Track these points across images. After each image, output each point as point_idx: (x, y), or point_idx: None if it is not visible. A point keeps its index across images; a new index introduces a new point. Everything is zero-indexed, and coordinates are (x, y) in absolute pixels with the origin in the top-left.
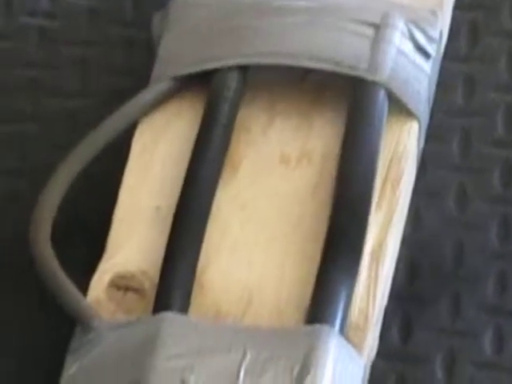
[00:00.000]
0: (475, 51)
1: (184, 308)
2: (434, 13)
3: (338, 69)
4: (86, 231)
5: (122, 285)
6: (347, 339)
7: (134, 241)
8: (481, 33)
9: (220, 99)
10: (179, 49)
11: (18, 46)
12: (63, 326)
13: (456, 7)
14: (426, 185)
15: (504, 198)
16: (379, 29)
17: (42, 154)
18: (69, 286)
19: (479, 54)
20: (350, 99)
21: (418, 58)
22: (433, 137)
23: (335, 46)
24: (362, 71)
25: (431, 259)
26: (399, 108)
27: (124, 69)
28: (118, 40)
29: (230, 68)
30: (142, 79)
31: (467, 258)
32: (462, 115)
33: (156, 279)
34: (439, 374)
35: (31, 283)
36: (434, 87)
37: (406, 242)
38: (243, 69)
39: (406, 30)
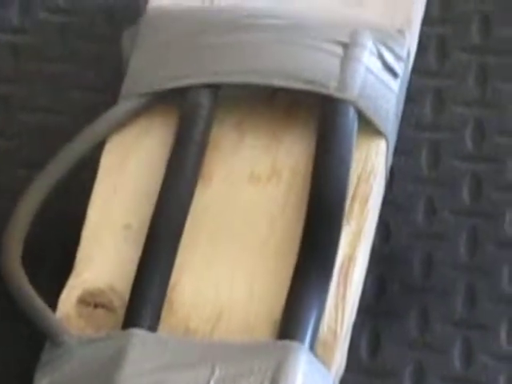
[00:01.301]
0: (444, 66)
1: (153, 325)
2: (401, 32)
3: (307, 87)
4: (55, 248)
5: (91, 301)
6: (316, 356)
7: (102, 257)
8: (450, 48)
9: (194, 117)
10: (149, 65)
11: None
12: (32, 341)
13: (425, 22)
14: (395, 198)
15: (472, 211)
16: (348, 47)
17: (12, 170)
18: (38, 302)
19: (448, 69)
20: (319, 117)
21: (386, 77)
22: (401, 150)
23: (304, 64)
24: (331, 89)
25: (400, 273)
26: (367, 126)
27: (94, 85)
28: (89, 56)
29: (201, 85)
30: (113, 95)
31: (436, 271)
32: (431, 129)
33: (125, 295)
34: None
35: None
36: (401, 105)
37: (375, 256)
38: (215, 86)
39: (374, 48)
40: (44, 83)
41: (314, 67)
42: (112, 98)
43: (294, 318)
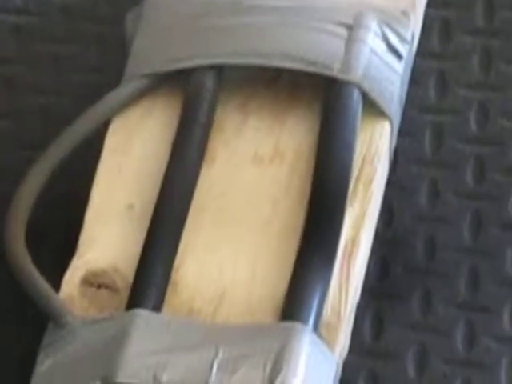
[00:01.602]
0: (448, 48)
1: (157, 306)
2: (406, 14)
3: (311, 68)
4: (58, 228)
5: (94, 281)
6: (320, 337)
7: (106, 238)
8: (453, 30)
9: (199, 99)
10: (152, 47)
11: None
12: (34, 322)
13: (429, 5)
14: (398, 180)
15: (476, 193)
16: (352, 29)
17: (14, 152)
18: (41, 282)
19: (452, 51)
20: (323, 98)
21: (391, 59)
22: (405, 133)
23: (308, 46)
24: (335, 71)
25: (403, 255)
26: (371, 108)
27: (97, 66)
28: (91, 37)
29: (205, 67)
30: (115, 77)
31: (439, 253)
32: (435, 111)
33: (128, 276)
34: (410, 370)
35: (3, 279)
36: (406, 87)
37: (378, 238)
38: (218, 68)
39: (378, 30)
40: (47, 64)
41: (317, 49)
42: (114, 80)
43: (297, 300)
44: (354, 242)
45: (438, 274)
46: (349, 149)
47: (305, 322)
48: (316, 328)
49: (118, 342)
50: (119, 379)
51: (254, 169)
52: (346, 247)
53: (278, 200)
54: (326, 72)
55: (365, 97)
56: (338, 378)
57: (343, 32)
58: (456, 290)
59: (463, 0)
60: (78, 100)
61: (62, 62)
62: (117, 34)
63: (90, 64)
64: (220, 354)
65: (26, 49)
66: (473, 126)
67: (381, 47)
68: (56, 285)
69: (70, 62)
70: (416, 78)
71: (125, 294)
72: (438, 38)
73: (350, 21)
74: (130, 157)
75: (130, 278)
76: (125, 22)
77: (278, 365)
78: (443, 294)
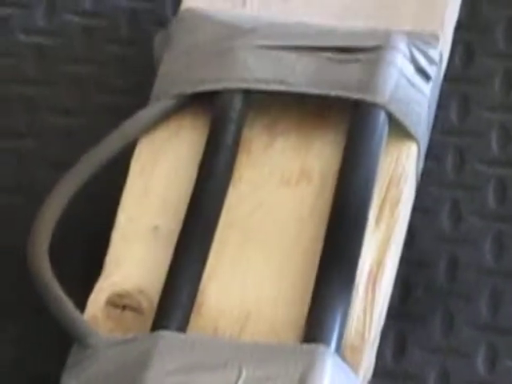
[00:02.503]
0: (470, 71)
1: (182, 327)
2: (435, 35)
3: (337, 93)
4: (84, 249)
5: (119, 303)
6: (343, 359)
7: (131, 259)
8: (475, 53)
9: (226, 121)
10: (180, 68)
11: (15, 63)
12: (58, 342)
13: None
14: (420, 202)
15: (498, 214)
16: (381, 50)
17: (38, 172)
18: (66, 302)
19: (474, 74)
20: (350, 120)
21: (418, 80)
22: (427, 154)
23: (334, 70)
24: (362, 93)
25: (424, 276)
26: (399, 130)
27: (119, 87)
28: (113, 58)
29: (233, 89)
30: (137, 97)
31: (461, 275)
32: (456, 134)
33: (153, 298)
34: None
35: (27, 299)
36: (433, 109)
37: (400, 259)
38: (246, 90)
39: (407, 51)
40: (68, 85)
41: (345, 73)
42: (136, 100)
43: (318, 321)
44: (379, 265)
45: (460, 295)
46: (370, 170)
47: (327, 343)
48: (338, 350)
49: (141, 363)
50: None
51: (280, 189)
52: (371, 270)
53: (303, 221)
54: (353, 95)
55: (392, 119)
56: None
57: (372, 54)
58: (478, 311)
59: (485, 22)
60: (98, 120)
61: (83, 82)
62: (138, 55)
63: (110, 85)
64: (244, 374)
65: (48, 69)
66: (494, 148)
67: (409, 69)
68: (79, 303)
69: (91, 83)
70: (438, 100)
71: (149, 316)
72: (459, 61)
73: (379, 42)
74: (157, 178)
75: (155, 300)
76: (153, 42)
77: None
78: (465, 315)
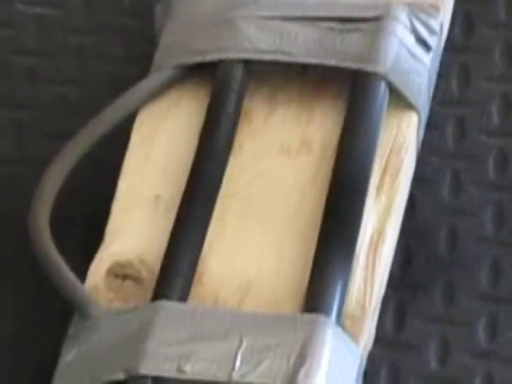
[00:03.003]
0: (470, 41)
1: (183, 297)
2: (435, 6)
3: (338, 63)
4: (85, 219)
5: (120, 273)
6: (344, 329)
7: (132, 229)
8: (476, 23)
9: (227, 90)
10: (180, 39)
11: (16, 34)
12: (58, 315)
13: None
14: (421, 172)
15: (498, 185)
16: (381, 20)
17: (38, 142)
18: (67, 272)
19: (474, 45)
20: (350, 90)
21: (419, 51)
22: (428, 125)
23: (334, 40)
24: (363, 63)
25: (425, 246)
26: (399, 100)
27: (121, 57)
28: (115, 28)
29: (234, 59)
30: (138, 68)
31: (461, 245)
32: (457, 104)
33: (154, 268)
34: (432, 362)
35: (27, 271)
36: (434, 80)
37: (400, 230)
38: (246, 60)
39: (408, 22)
40: (69, 55)
41: (345, 43)
42: (137, 71)
43: (318, 292)
44: (379, 234)
45: (460, 265)
46: (371, 139)
47: (327, 313)
48: (339, 320)
49: (141, 333)
50: (142, 371)
51: (281, 159)
52: (371, 239)
53: (304, 191)
54: (354, 65)
55: (392, 89)
56: (362, 370)
57: (372, 24)
58: (478, 281)
59: None
60: (100, 90)
61: (85, 52)
62: (139, 25)
63: (112, 55)
64: (244, 344)
65: (49, 40)
66: (495, 119)
67: (410, 39)
68: (80, 274)
69: (92, 53)
70: (438, 71)
71: (150, 286)
72: (459, 31)
73: (379, 12)
74: (157, 148)
75: (156, 270)
76: (154, 12)
77: (301, 357)
78: (465, 285)
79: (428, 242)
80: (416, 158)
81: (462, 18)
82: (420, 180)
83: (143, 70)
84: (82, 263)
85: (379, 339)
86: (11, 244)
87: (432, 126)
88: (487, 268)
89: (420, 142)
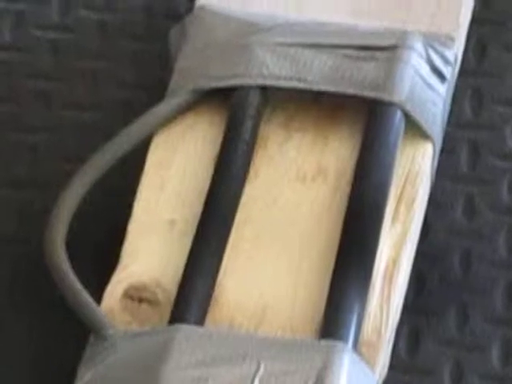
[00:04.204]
0: (483, 65)
1: (199, 321)
2: (450, 36)
3: (355, 91)
4: (99, 243)
5: (135, 296)
6: (360, 356)
7: (148, 252)
8: (489, 47)
9: (244, 116)
10: (197, 63)
11: (31, 58)
12: (77, 336)
13: None
14: (434, 196)
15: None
16: (397, 49)
17: (52, 166)
18: (83, 294)
19: (487, 68)
20: (366, 118)
21: (434, 81)
22: (441, 148)
23: (351, 67)
24: (379, 92)
25: (439, 270)
26: (414, 129)
27: (134, 82)
28: (127, 53)
29: (250, 85)
30: (150, 93)
31: (475, 268)
32: (471, 128)
33: (170, 291)
34: None
35: (42, 295)
36: (448, 108)
37: (415, 252)
38: (263, 87)
39: (423, 51)
40: (83, 80)
41: (361, 72)
42: (149, 96)
43: (335, 318)
44: (394, 262)
45: (474, 289)
46: (387, 168)
47: (344, 340)
48: (355, 347)
49: (159, 356)
50: None
51: (296, 186)
52: (386, 268)
53: (319, 218)
54: (370, 94)
55: (408, 118)
56: None
57: (388, 53)
58: (492, 305)
59: (498, 17)
60: (113, 115)
61: (98, 77)
62: (152, 50)
63: (124, 80)
64: (262, 369)
65: (63, 64)
66: (509, 142)
67: (425, 69)
68: (94, 294)
69: (105, 78)
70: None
71: (166, 309)
72: (473, 55)
73: (394, 42)
74: (173, 172)
75: (172, 293)
76: (169, 37)
77: (319, 383)
78: (479, 309)
79: (441, 265)
80: (431, 185)
81: (475, 41)
82: (433, 203)
83: (156, 95)
84: (95, 288)
85: (393, 363)
86: (26, 269)
87: (445, 150)
88: (501, 291)
89: (434, 169)
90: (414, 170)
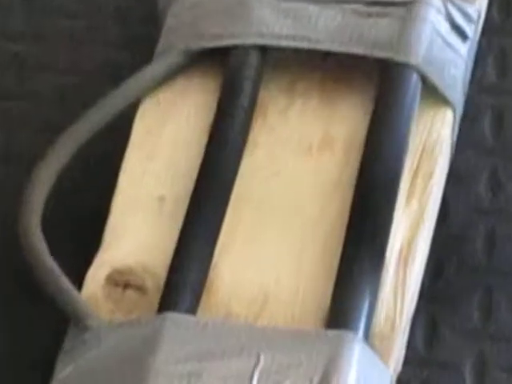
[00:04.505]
0: (509, 23)
1: (192, 309)
2: None
3: (366, 51)
4: (79, 221)
5: (120, 281)
6: (372, 348)
7: (134, 232)
8: None
9: (241, 79)
10: (190, 20)
11: (3, 16)
12: (57, 324)
13: None
14: (455, 169)
15: None
16: (414, 5)
17: (27, 137)
18: (62, 279)
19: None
20: (378, 82)
21: (455, 40)
22: (462, 116)
23: (361, 26)
24: (392, 52)
25: (459, 253)
26: (432, 94)
27: (118, 42)
28: (110, 10)
29: (249, 46)
30: (135, 53)
31: (500, 251)
32: (495, 93)
33: (159, 275)
34: (469, 382)
35: (16, 278)
36: (469, 71)
37: (433, 235)
38: (262, 46)
39: (442, 7)
40: (61, 40)
41: (373, 29)
42: (134, 57)
43: (344, 306)
44: (410, 244)
45: (499, 273)
46: (402, 138)
47: (355, 330)
48: (366, 338)
49: (147, 348)
50: None
51: (300, 158)
52: (401, 250)
53: (327, 193)
54: (382, 54)
55: (425, 81)
56: None
57: (402, 9)
58: None
59: None
60: (95, 78)
61: (78, 37)
62: (137, 6)
63: (108, 39)
64: (261, 362)
65: (39, 24)
66: None
67: (444, 26)
68: (76, 280)
69: (86, 37)
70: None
71: (154, 296)
72: (497, 13)
73: None
74: (162, 143)
75: (161, 278)
76: None
77: (326, 378)
78: (505, 296)
79: (463, 247)
80: (450, 156)
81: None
82: (454, 178)
83: (142, 57)
84: (76, 269)
85: (409, 357)
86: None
87: (467, 117)
88: None
89: (455, 139)
90: (432, 139)
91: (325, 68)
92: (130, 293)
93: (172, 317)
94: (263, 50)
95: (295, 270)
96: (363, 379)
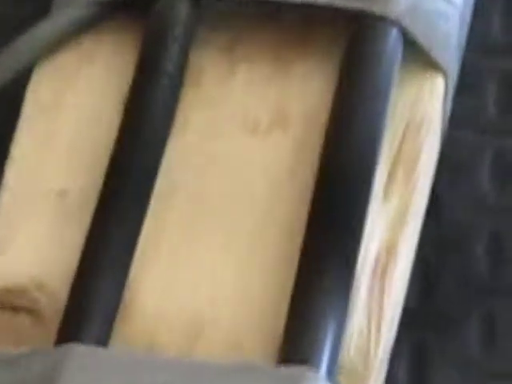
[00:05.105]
0: None
1: (103, 339)
2: None
3: (330, 1)
4: None
5: (7, 302)
6: None
7: (27, 239)
8: None
9: (167, 38)
10: None
11: None
12: None
13: None
14: (450, 154)
15: None
16: None
17: None
18: None
19: None
20: (347, 41)
21: None
22: (461, 87)
23: None
24: (366, 3)
25: (455, 261)
26: (418, 55)
27: None
28: None
29: None
30: (33, 5)
31: (507, 258)
32: (501, 55)
33: (58, 295)
34: None
35: None
36: (466, 27)
37: (419, 239)
38: None
39: None
40: None
41: None
42: (27, 10)
43: (301, 334)
44: (390, 251)
45: (506, 289)
46: (377, 115)
47: (315, 366)
48: (331, 375)
49: None
50: None
51: (244, 139)
52: (378, 259)
53: (279, 185)
54: (351, 4)
55: (408, 39)
56: None
57: None
58: None
59: None
60: None
61: None
62: None
63: None
64: None
65: None
66: None
67: None
68: None
69: None
70: (477, 11)
71: (53, 322)
72: None
73: None
74: (63, 120)
75: (62, 299)
76: None
77: None
78: (511, 320)
79: (459, 253)
80: (442, 138)
81: None
82: (450, 166)
83: (37, 9)
84: None
85: None
86: None
87: (465, 86)
88: None
89: (448, 114)
90: (418, 115)
91: (278, 24)
92: (21, 318)
93: (75, 350)
94: (196, 0)
95: (239, 288)
96: None
